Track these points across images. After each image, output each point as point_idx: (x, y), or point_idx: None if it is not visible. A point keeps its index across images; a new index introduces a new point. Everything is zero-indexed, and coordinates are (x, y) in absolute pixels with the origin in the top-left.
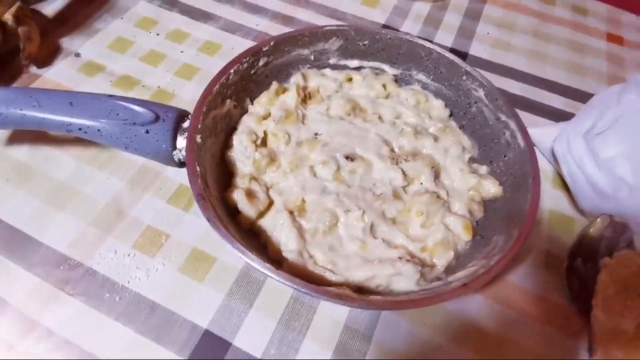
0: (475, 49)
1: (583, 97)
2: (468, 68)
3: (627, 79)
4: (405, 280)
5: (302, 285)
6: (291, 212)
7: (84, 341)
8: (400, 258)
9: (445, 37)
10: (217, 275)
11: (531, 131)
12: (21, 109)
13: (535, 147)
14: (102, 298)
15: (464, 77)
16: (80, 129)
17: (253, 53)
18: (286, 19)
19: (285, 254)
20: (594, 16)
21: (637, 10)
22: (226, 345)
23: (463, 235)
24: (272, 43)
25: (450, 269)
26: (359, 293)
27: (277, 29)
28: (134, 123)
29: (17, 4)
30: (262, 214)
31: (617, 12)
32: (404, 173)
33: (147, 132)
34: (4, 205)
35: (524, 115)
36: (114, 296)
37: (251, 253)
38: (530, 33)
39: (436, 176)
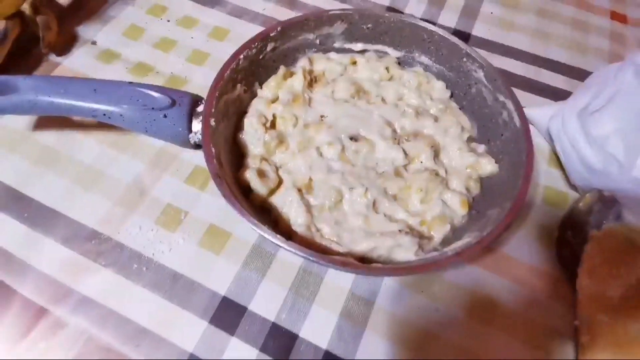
0: (479, 29)
1: (584, 75)
2: (468, 50)
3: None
4: (404, 251)
5: (310, 253)
6: (299, 190)
7: (117, 305)
8: (400, 231)
9: (450, 17)
10: (232, 248)
11: (529, 111)
12: (49, 96)
13: (533, 127)
14: (131, 268)
15: (464, 59)
16: (104, 114)
17: (261, 39)
18: (292, 3)
19: (295, 228)
20: None
21: None
22: (243, 309)
23: (459, 210)
24: (279, 29)
25: (446, 241)
26: (362, 262)
27: (283, 13)
28: (153, 108)
29: None
30: (272, 192)
31: None
32: (405, 152)
33: (165, 116)
34: (36, 186)
35: (525, 95)
36: (141, 267)
37: (264, 226)
38: (534, 12)
39: (436, 155)
